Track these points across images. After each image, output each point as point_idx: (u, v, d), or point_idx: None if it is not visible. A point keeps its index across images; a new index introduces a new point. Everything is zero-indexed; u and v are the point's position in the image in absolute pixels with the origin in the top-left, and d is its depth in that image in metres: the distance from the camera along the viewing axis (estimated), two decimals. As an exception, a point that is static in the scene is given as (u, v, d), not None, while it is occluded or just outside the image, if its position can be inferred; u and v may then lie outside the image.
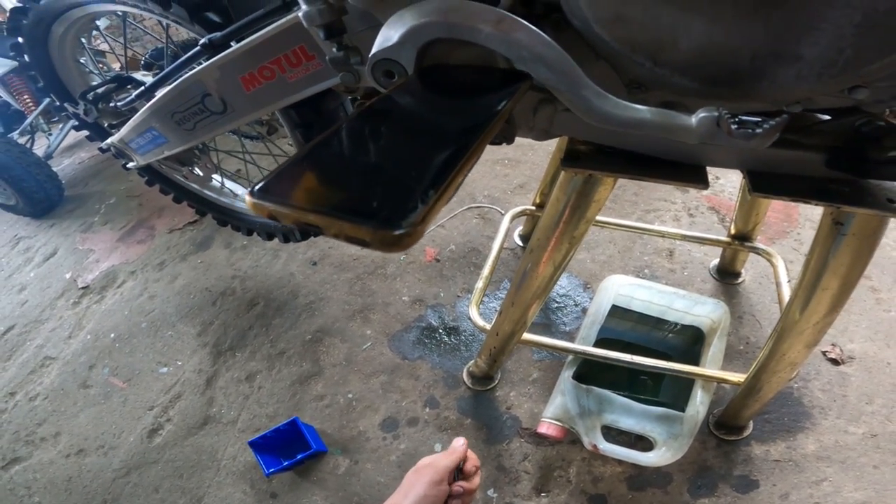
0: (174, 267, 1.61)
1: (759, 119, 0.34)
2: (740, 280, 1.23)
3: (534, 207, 1.30)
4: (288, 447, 1.02)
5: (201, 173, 1.22)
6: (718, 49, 0.36)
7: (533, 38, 0.38)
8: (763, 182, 0.52)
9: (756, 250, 1.13)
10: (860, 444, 0.95)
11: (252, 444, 1.02)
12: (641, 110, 0.38)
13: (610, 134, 0.55)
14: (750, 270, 1.24)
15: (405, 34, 0.44)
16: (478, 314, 1.07)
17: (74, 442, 1.19)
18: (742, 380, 0.89)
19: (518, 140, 0.58)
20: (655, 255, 1.33)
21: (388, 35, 0.46)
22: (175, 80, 0.79)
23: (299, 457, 0.99)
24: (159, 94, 0.83)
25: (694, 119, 0.37)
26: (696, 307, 1.08)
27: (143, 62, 1.12)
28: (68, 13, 0.99)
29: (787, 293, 1.03)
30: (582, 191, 0.61)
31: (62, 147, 2.38)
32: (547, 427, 0.95)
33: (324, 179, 0.29)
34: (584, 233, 0.68)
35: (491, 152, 1.77)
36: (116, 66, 1.89)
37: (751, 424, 0.98)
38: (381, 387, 1.15)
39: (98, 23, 1.09)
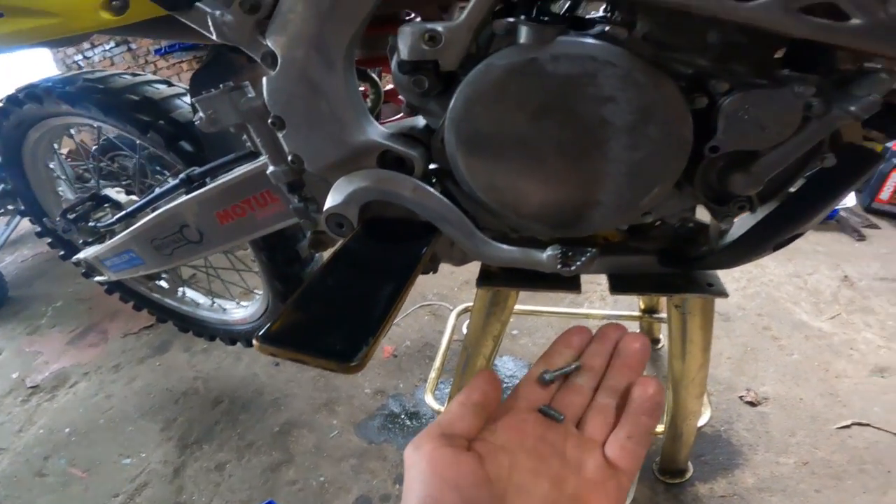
0: (131, 369, 1.69)
1: (582, 251, 0.56)
2: (660, 345, 1.45)
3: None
4: (266, 529, 1.10)
5: (166, 286, 1.36)
6: (551, 204, 0.58)
7: (439, 204, 0.59)
8: (620, 283, 0.74)
9: (661, 320, 1.37)
10: (795, 472, 1.12)
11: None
12: (512, 251, 0.59)
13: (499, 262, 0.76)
14: (665, 336, 1.47)
15: (348, 196, 0.64)
16: (433, 399, 1.24)
17: None
18: (661, 430, 1.07)
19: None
20: (588, 332, 1.56)
21: (336, 196, 0.65)
22: (156, 209, 0.95)
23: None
24: (140, 220, 0.98)
25: (544, 256, 0.58)
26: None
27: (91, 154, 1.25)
28: (47, 120, 1.12)
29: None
30: (494, 301, 0.82)
31: (5, 243, 2.43)
32: None
33: (304, 323, 0.48)
34: (504, 330, 0.88)
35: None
36: (65, 149, 2.02)
37: (690, 466, 1.13)
38: (352, 469, 1.25)
39: (72, 131, 1.23)
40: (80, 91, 0.99)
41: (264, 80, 0.59)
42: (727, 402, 1.29)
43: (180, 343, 1.76)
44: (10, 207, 2.05)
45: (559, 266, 0.54)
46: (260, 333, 0.45)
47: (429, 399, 1.24)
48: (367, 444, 1.30)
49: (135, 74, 1.03)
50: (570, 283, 0.75)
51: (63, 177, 1.35)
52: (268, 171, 0.71)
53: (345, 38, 0.54)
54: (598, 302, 1.68)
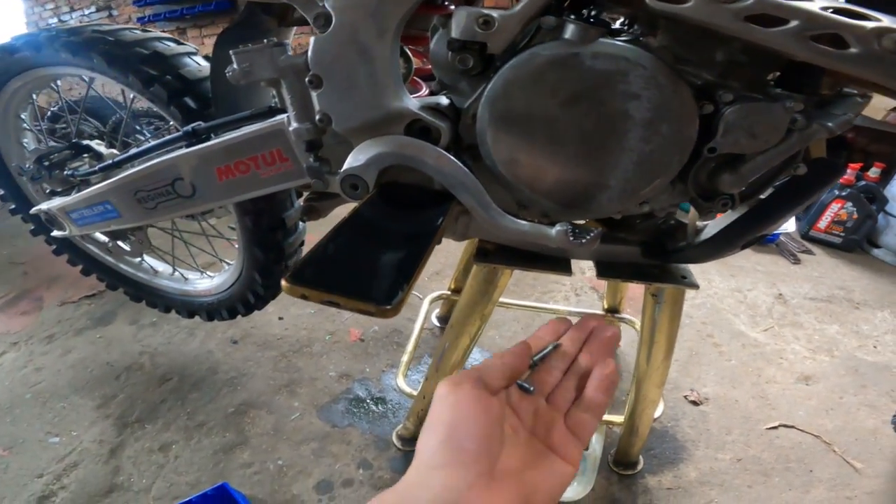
0: (67, 341, 1.60)
1: (589, 230, 0.64)
2: (617, 346, 1.58)
3: (449, 292, 1.59)
4: (217, 514, 1.08)
5: (129, 248, 1.32)
6: (565, 182, 0.66)
7: (459, 171, 0.66)
8: (605, 269, 0.84)
9: (623, 320, 1.51)
10: (731, 468, 1.25)
11: (176, 510, 1.07)
12: (523, 224, 0.66)
13: (500, 235, 0.84)
14: (624, 337, 1.60)
15: (371, 158, 0.69)
16: (405, 383, 1.28)
17: None
18: (622, 420, 1.18)
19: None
20: (552, 325, 1.68)
21: (358, 157, 0.70)
22: (147, 160, 0.94)
23: (232, 520, 1.06)
24: (126, 170, 0.96)
25: (553, 231, 0.65)
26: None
27: (48, 114, 1.22)
28: (36, 70, 1.09)
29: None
30: (488, 279, 0.89)
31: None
32: None
33: (334, 268, 0.52)
34: (492, 311, 0.96)
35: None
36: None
37: (641, 460, 1.25)
38: (313, 453, 1.26)
39: (59, 82, 1.19)
40: (86, 41, 0.98)
41: (312, 39, 0.64)
42: (674, 401, 1.43)
43: (126, 315, 1.69)
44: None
45: (571, 239, 0.62)
46: (289, 274, 0.49)
47: (401, 383, 1.28)
48: (329, 427, 1.32)
49: (145, 30, 1.03)
50: (562, 266, 0.84)
51: (32, 129, 1.29)
52: (290, 128, 0.74)
53: (402, 10, 0.60)
54: (562, 300, 1.80)
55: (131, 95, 1.06)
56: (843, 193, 2.23)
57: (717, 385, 1.49)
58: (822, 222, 2.26)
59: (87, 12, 4.74)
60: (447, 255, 1.99)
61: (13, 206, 1.36)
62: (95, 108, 2.04)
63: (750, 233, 0.74)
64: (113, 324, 1.67)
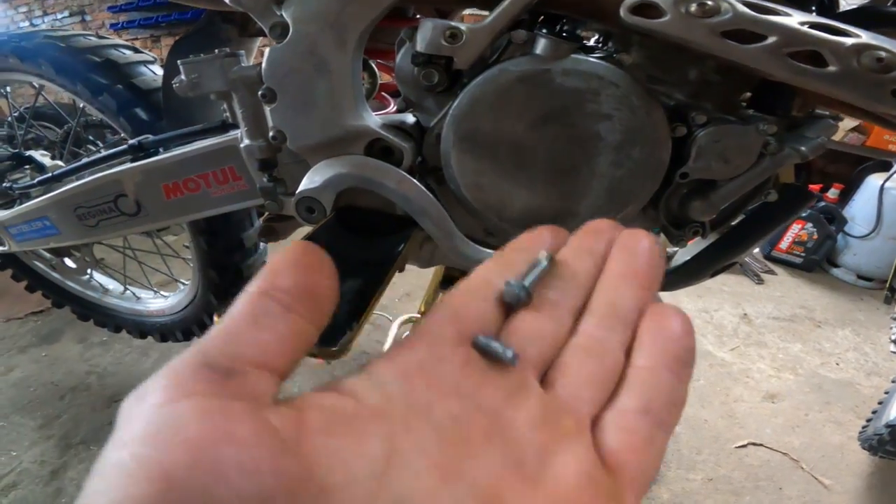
0: (10, 358, 1.49)
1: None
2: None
3: (419, 315, 1.53)
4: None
5: (74, 266, 1.23)
6: (533, 209, 0.62)
7: (422, 197, 0.61)
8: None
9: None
10: (702, 488, 1.23)
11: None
12: (489, 253, 0.62)
13: (475, 265, 0.80)
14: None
15: (328, 180, 0.64)
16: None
17: None
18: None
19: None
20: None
21: (313, 178, 0.65)
22: (88, 175, 0.86)
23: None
24: (66, 185, 0.89)
25: (522, 255, 0.61)
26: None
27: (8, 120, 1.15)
28: None
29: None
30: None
31: None
32: None
33: None
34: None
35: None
36: None
37: None
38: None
39: (8, 88, 1.13)
40: (36, 47, 0.93)
41: (267, 50, 0.59)
42: (643, 423, 1.40)
43: (73, 333, 1.57)
44: None
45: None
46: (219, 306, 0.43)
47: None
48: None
49: (100, 37, 0.97)
50: (532, 293, 0.79)
51: None
52: (242, 145, 0.69)
53: (364, 21, 0.55)
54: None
55: (81, 105, 1.00)
56: (804, 214, 2.28)
57: (686, 405, 1.47)
58: (784, 243, 2.29)
59: (59, 17, 4.59)
60: (419, 276, 1.93)
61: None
62: (53, 114, 1.92)
63: (720, 261, 0.72)
64: (59, 342, 1.55)
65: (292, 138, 0.64)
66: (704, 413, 1.45)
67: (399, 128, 0.65)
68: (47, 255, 1.25)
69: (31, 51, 0.94)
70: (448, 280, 0.80)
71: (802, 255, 2.26)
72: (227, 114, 0.71)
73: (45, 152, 1.07)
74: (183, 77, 0.65)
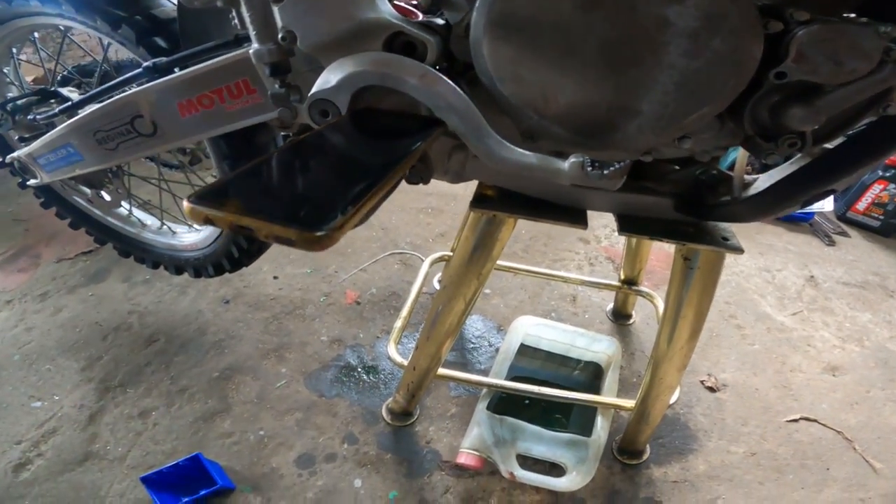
0: (59, 299, 1.51)
1: (612, 163, 0.48)
2: (631, 321, 1.42)
3: (452, 253, 1.43)
4: (189, 484, 0.98)
5: (109, 198, 1.21)
6: (583, 104, 0.50)
7: (449, 91, 0.50)
8: (628, 224, 0.68)
9: (641, 293, 1.34)
10: (743, 462, 1.12)
11: (145, 479, 0.97)
12: (528, 155, 0.50)
13: (512, 179, 0.68)
14: (640, 312, 1.45)
15: (343, 79, 0.54)
16: (396, 351, 1.15)
17: None
18: (633, 405, 1.03)
19: (442, 190, 0.70)
20: (561, 300, 1.51)
21: (328, 78, 0.56)
22: (106, 99, 0.83)
23: (202, 493, 0.96)
24: (85, 110, 0.85)
25: (566, 164, 0.50)
26: (595, 344, 1.23)
27: (61, 76, 1.12)
28: (12, 22, 1.01)
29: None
30: (487, 231, 0.73)
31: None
32: (465, 457, 1.02)
33: (256, 193, 0.37)
34: (490, 270, 0.80)
35: (415, 201, 1.91)
36: (30, 77, 1.82)
37: (648, 448, 1.11)
38: (297, 424, 1.15)
39: (35, 35, 1.11)
40: None
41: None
42: (688, 385, 1.27)
43: (119, 272, 1.58)
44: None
45: (589, 171, 0.46)
46: (195, 193, 0.34)
47: (391, 351, 1.15)
48: (316, 396, 1.21)
49: None
50: (576, 216, 0.68)
51: (16, 83, 1.18)
52: (251, 50, 0.61)
53: None
54: (574, 270, 1.63)
55: (106, 42, 0.96)
56: (887, 174, 2.00)
57: (737, 371, 1.33)
58: (861, 203, 2.03)
59: None
60: (454, 217, 1.83)
61: (1, 160, 1.25)
62: (93, 68, 1.91)
63: (818, 185, 0.57)
64: (106, 281, 1.57)
65: (303, 37, 0.57)
66: (756, 381, 1.31)
67: (423, 23, 0.55)
68: (85, 189, 1.23)
69: None
70: (480, 199, 0.69)
71: (881, 217, 1.99)
72: (237, 22, 0.63)
73: (72, 89, 1.03)
74: None
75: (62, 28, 1.01)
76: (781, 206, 0.60)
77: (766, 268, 1.74)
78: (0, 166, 1.23)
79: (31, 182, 1.09)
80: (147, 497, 0.99)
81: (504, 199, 0.69)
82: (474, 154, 0.61)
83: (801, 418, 1.22)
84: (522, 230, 1.78)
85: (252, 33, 0.60)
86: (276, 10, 0.57)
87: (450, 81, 0.50)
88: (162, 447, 1.10)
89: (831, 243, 1.92)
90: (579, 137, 0.53)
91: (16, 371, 1.28)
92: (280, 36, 0.58)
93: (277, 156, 0.42)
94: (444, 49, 0.54)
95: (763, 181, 0.63)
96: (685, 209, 0.67)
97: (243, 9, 0.58)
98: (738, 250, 0.67)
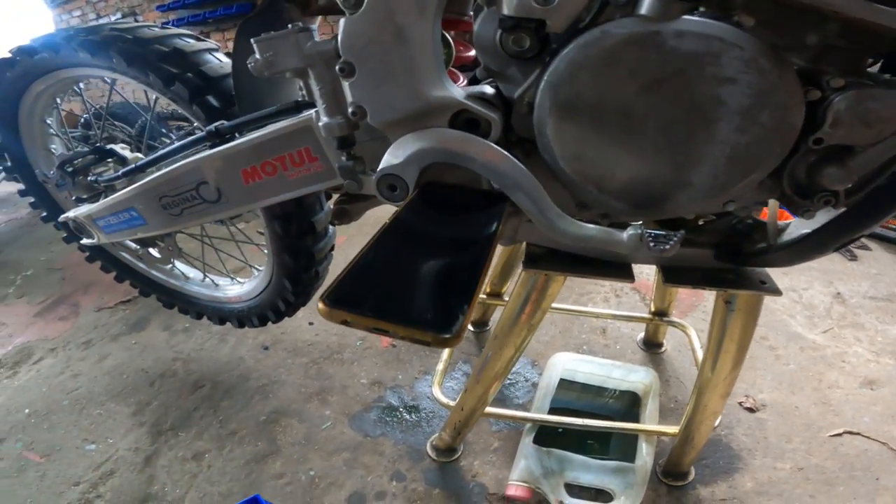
0: (103, 346, 1.57)
1: (668, 234, 0.53)
2: (663, 349, 1.46)
3: (485, 296, 1.48)
4: (250, 527, 1.02)
5: (158, 256, 1.26)
6: (640, 179, 0.55)
7: (515, 169, 0.55)
8: (672, 274, 0.72)
9: (673, 323, 1.38)
10: (791, 477, 1.13)
11: (209, 525, 1.01)
12: (590, 229, 0.55)
13: (553, 239, 0.73)
14: (670, 341, 1.48)
15: (411, 155, 0.59)
16: (441, 392, 1.19)
17: None
18: (676, 431, 1.06)
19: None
20: (591, 332, 1.55)
21: (396, 154, 0.61)
22: (170, 164, 0.87)
23: (264, 537, 1.00)
24: (150, 175, 0.90)
25: (625, 235, 0.55)
26: (631, 375, 1.27)
27: (81, 121, 1.18)
28: (57, 72, 1.04)
29: (701, 357, 1.26)
30: (539, 287, 0.78)
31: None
32: (515, 489, 1.06)
33: (379, 289, 0.42)
34: (541, 320, 0.85)
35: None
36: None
37: (693, 470, 1.13)
38: (345, 463, 1.18)
39: (81, 85, 1.15)
40: (104, 39, 0.92)
41: (342, 21, 0.55)
42: (728, 408, 1.30)
43: (159, 321, 1.64)
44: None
45: (652, 246, 0.51)
46: (326, 294, 0.40)
47: (436, 392, 1.19)
48: (362, 437, 1.24)
49: (164, 26, 0.96)
50: (623, 272, 0.73)
51: (59, 134, 1.24)
52: (320, 123, 0.66)
53: (445, -18, 0.50)
54: (601, 303, 1.68)
55: (154, 96, 1.00)
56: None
57: (774, 391, 1.35)
58: (878, 215, 2.07)
59: (112, 18, 4.81)
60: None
61: (44, 214, 1.31)
62: (125, 113, 2.01)
63: (850, 233, 0.62)
64: (147, 329, 1.62)
65: (373, 113, 0.61)
66: (795, 399, 1.33)
67: (483, 98, 0.60)
68: (133, 245, 1.29)
69: (99, 44, 0.93)
70: (531, 258, 0.74)
71: (899, 228, 2.03)
72: (303, 92, 0.68)
73: (125, 146, 1.08)
74: (257, 55, 0.62)
75: (108, 80, 1.04)
76: (816, 254, 0.64)
77: (791, 287, 1.77)
78: (54, 225, 1.30)
79: (86, 241, 1.15)
80: (209, 541, 1.02)
81: (553, 258, 0.74)
82: (528, 220, 0.67)
83: (844, 432, 1.23)
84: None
85: (321, 106, 0.65)
86: (345, 84, 0.60)
87: (515, 160, 0.55)
88: (218, 488, 1.14)
89: (853, 258, 1.95)
90: (633, 208, 0.58)
91: (66, 415, 1.33)
92: (350, 111, 0.61)
93: (380, 242, 0.48)
94: (505, 124, 0.60)
95: (795, 227, 0.67)
96: (724, 257, 0.71)
97: (312, 82, 0.64)
98: (777, 293, 0.71)
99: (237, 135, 0.80)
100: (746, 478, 1.14)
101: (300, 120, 0.72)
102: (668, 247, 0.51)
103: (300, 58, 0.60)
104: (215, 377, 1.43)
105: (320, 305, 0.39)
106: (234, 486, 1.14)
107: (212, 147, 0.81)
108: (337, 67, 0.58)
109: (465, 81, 0.81)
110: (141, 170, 0.94)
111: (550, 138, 0.55)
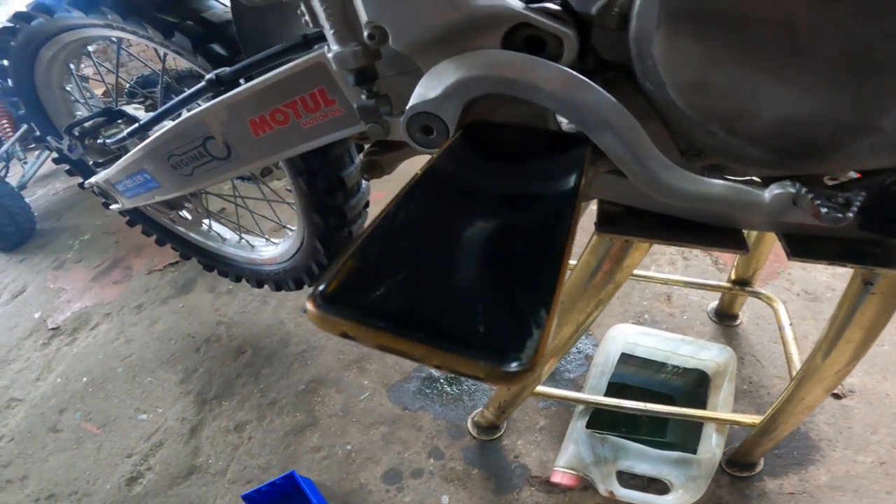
0: (153, 310, 1.51)
1: (843, 196, 0.32)
2: (738, 322, 1.22)
3: None
4: (285, 502, 0.95)
5: (189, 217, 1.15)
6: (801, 121, 0.34)
7: (600, 101, 0.36)
8: (800, 246, 0.51)
9: (757, 294, 1.13)
10: (870, 472, 0.96)
11: (246, 497, 0.94)
12: (715, 185, 0.35)
13: (646, 196, 0.53)
14: (746, 312, 1.24)
15: (451, 87, 0.41)
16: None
17: (44, 486, 1.10)
18: (757, 422, 0.87)
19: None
20: (654, 299, 1.33)
21: (431, 86, 0.42)
22: (174, 119, 0.73)
23: (299, 511, 0.91)
24: (155, 133, 0.77)
25: (767, 195, 0.34)
26: (702, 352, 1.07)
27: (126, 90, 1.06)
28: (60, 36, 0.93)
29: (789, 335, 1.03)
30: (615, 255, 0.58)
31: (37, 176, 2.25)
32: (561, 476, 0.93)
33: (399, 283, 0.24)
34: (612, 295, 0.65)
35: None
36: (99, 91, 1.81)
37: (762, 460, 0.96)
38: (382, 438, 1.07)
39: (90, 47, 1.03)
40: None
41: None
42: (809, 392, 1.08)
43: (205, 282, 1.56)
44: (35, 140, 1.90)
45: (822, 213, 0.31)
46: (319, 290, 0.22)
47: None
48: (400, 409, 1.12)
49: None
50: (732, 239, 0.52)
51: (80, 100, 1.13)
52: (331, 54, 0.48)
53: None
54: (666, 266, 1.43)
55: (163, 52, 0.85)
56: None
57: (865, 375, 1.12)
58: None
59: None
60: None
61: (81, 181, 1.22)
62: (156, 77, 1.88)
63: None
64: (193, 292, 1.55)
65: (396, 34, 0.42)
66: (887, 385, 1.09)
67: (555, 13, 0.40)
68: (166, 209, 1.18)
69: (90, 0, 0.80)
70: (606, 218, 0.54)
71: None
72: (307, 19, 0.50)
73: (137, 106, 0.95)
74: None
75: (114, 40, 0.93)
76: None
77: None
78: (80, 188, 1.21)
79: (114, 206, 1.04)
80: (247, 513, 0.96)
81: (635, 219, 0.54)
82: (607, 171, 0.47)
83: (936, 425, 1.01)
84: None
85: (329, 32, 0.47)
86: (358, 0, 0.43)
87: (601, 89, 0.36)
88: (257, 461, 1.07)
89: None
90: (782, 159, 0.37)
91: (121, 384, 1.30)
92: (366, 34, 0.43)
93: (399, 210, 0.29)
94: (583, 43, 0.39)
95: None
96: (872, 225, 0.49)
97: (315, 2, 0.46)
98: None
99: (242, 82, 0.64)
100: (821, 471, 0.96)
101: (310, 57, 0.55)
102: (849, 214, 0.31)
103: (294, -31, 0.42)
104: (257, 342, 1.34)
105: (309, 306, 0.22)
106: (272, 460, 1.07)
107: (214, 97, 0.65)
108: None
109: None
110: (146, 128, 0.80)
111: (657, 60, 0.34)
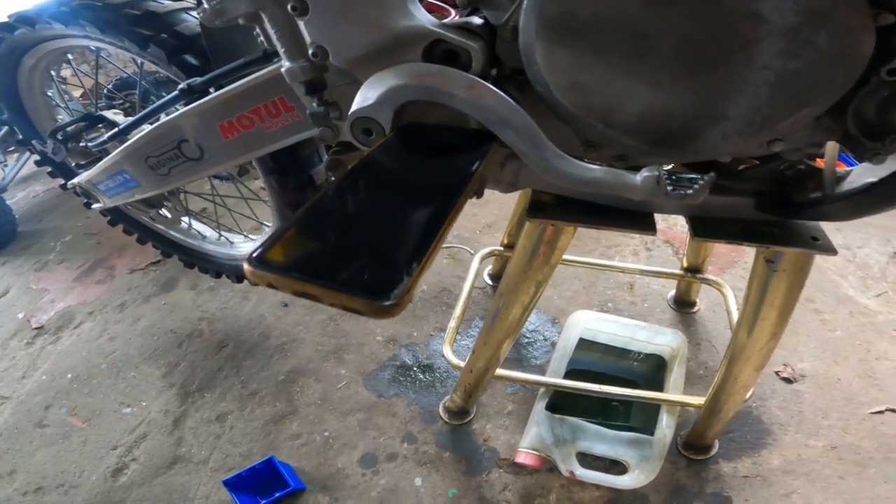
0: (136, 308, 1.57)
1: (692, 177, 0.41)
2: (696, 309, 1.31)
3: (502, 248, 1.37)
4: (265, 486, 1.01)
5: (169, 215, 1.23)
6: (658, 112, 0.43)
7: (501, 103, 0.44)
8: (703, 226, 0.59)
9: (707, 281, 1.22)
10: (822, 456, 1.03)
11: (227, 483, 1.01)
12: (595, 170, 0.44)
13: (554, 184, 0.61)
14: (704, 299, 1.33)
15: (383, 95, 0.49)
16: (452, 353, 1.11)
17: (32, 480, 1.15)
18: (702, 403, 0.95)
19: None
20: (617, 289, 1.42)
21: (367, 95, 0.50)
22: (150, 124, 0.82)
23: (277, 495, 0.99)
24: (133, 136, 0.85)
25: (638, 178, 0.43)
26: (657, 337, 1.15)
27: (104, 92, 1.14)
28: (41, 45, 1.01)
29: (737, 320, 1.12)
30: (545, 239, 0.66)
31: (17, 179, 2.29)
32: (524, 457, 0.99)
33: (316, 247, 0.33)
34: (549, 276, 0.74)
35: (459, 189, 1.84)
36: (77, 93, 1.87)
37: (716, 443, 1.03)
38: (358, 424, 1.15)
39: (70, 56, 1.11)
40: (74, 9, 0.87)
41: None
42: (763, 376, 1.16)
43: (187, 280, 1.63)
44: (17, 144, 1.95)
45: (670, 190, 0.39)
46: (253, 255, 0.31)
47: (447, 352, 1.11)
48: (375, 397, 1.20)
49: None
50: (643, 222, 0.60)
51: (61, 105, 1.21)
52: (283, 69, 0.56)
53: None
54: (630, 256, 1.53)
55: (140, 60, 0.94)
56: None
57: (816, 360, 1.20)
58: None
59: None
60: (500, 206, 1.76)
61: (62, 182, 1.29)
62: (134, 82, 1.95)
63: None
64: (175, 289, 1.62)
65: (335, 52, 0.51)
66: (838, 370, 1.18)
67: (463, 28, 0.48)
68: (146, 207, 1.25)
69: (70, 14, 0.89)
70: (536, 206, 0.63)
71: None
72: (263, 39, 0.59)
73: (117, 111, 1.03)
74: (205, 4, 0.53)
75: (93, 49, 1.01)
76: (883, 206, 0.50)
77: (845, 245, 1.56)
78: (62, 189, 1.28)
79: (95, 206, 1.12)
80: (229, 499, 1.03)
81: (561, 206, 0.62)
82: (527, 163, 0.55)
83: (886, 410, 1.09)
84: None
85: (280, 50, 0.56)
86: (301, 24, 0.51)
87: (500, 93, 0.44)
88: (239, 449, 1.13)
89: (918, 210, 1.70)
90: (652, 146, 0.45)
91: (105, 379, 1.35)
92: (311, 52, 0.52)
93: (331, 194, 0.38)
94: (489, 54, 0.48)
95: (857, 175, 0.53)
96: (768, 208, 0.58)
97: (267, 25, 0.54)
98: (831, 251, 0.57)
99: (212, 90, 0.72)
100: (774, 454, 1.04)
101: (271, 69, 0.64)
102: (691, 191, 0.39)
103: (249, 1, 0.50)
104: (238, 336, 1.41)
105: (245, 266, 0.31)
106: (253, 447, 1.13)
107: (187, 105, 0.73)
108: (289, 6, 0.48)
109: (456, 16, 0.69)
110: (125, 132, 0.88)
111: (540, 66, 0.43)
